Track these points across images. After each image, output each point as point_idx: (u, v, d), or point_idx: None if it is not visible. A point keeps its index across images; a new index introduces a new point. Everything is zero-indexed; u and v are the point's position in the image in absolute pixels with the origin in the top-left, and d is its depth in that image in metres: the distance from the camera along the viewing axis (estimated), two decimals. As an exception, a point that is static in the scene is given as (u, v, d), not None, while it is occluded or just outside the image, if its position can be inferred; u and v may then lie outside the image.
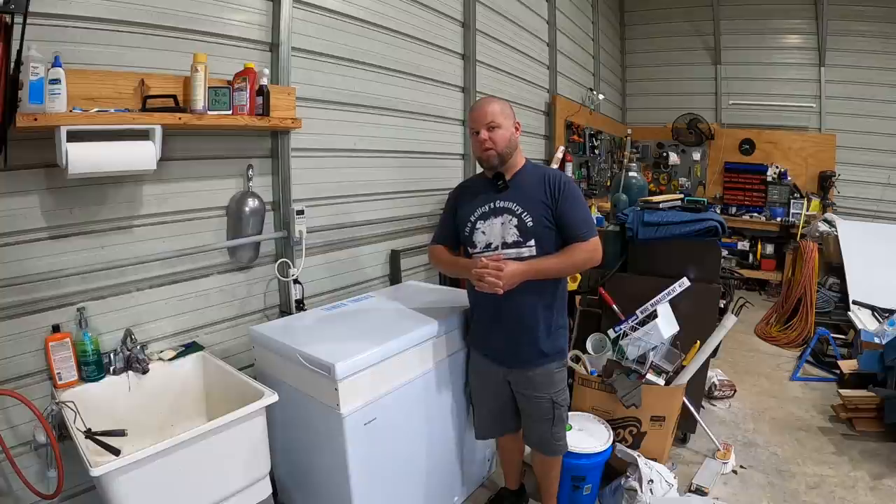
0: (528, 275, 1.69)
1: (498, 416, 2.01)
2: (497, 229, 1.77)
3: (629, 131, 5.04)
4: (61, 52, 1.46)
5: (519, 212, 1.75)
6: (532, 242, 1.74)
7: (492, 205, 1.79)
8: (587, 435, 2.18)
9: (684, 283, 2.40)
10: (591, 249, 1.73)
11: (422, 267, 3.23)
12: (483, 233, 1.80)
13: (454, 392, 2.08)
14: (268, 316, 2.30)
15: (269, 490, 1.70)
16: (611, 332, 2.47)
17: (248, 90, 1.93)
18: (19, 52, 1.36)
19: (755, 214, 6.07)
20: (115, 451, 1.41)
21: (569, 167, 4.50)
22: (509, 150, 1.78)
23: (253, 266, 2.24)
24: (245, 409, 1.52)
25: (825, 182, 5.81)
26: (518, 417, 1.98)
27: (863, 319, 3.80)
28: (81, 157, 1.49)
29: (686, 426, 2.64)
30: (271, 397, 1.59)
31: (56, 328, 1.63)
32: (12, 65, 1.35)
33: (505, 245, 1.76)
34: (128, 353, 1.74)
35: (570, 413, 2.14)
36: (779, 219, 5.85)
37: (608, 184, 5.35)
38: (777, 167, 6.02)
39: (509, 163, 1.80)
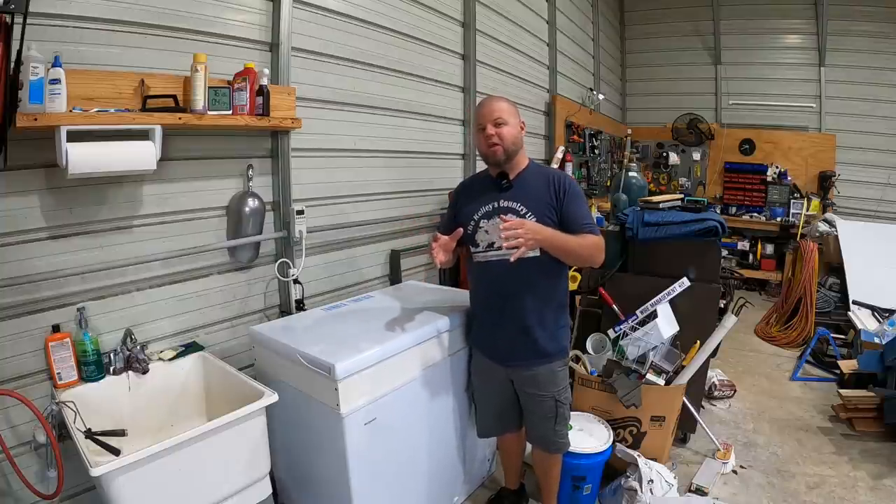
0: (545, 236, 1.62)
1: (500, 415, 2.01)
2: (500, 230, 1.76)
3: (629, 131, 5.04)
4: (61, 52, 1.46)
5: (523, 211, 1.74)
6: None
7: (495, 204, 1.79)
8: (587, 435, 2.18)
9: (684, 283, 2.40)
10: (599, 244, 1.72)
11: (422, 267, 3.23)
12: (486, 231, 1.80)
13: (454, 392, 2.07)
14: (268, 316, 2.30)
15: (269, 490, 1.70)
16: (611, 332, 2.47)
17: (248, 90, 1.93)
18: (19, 52, 1.36)
19: (755, 214, 6.07)
20: (115, 451, 1.41)
21: (569, 167, 4.50)
22: (515, 148, 1.77)
23: (253, 266, 2.24)
24: (245, 409, 1.52)
25: (825, 182, 5.81)
26: (520, 416, 1.98)
27: (863, 319, 3.80)
28: (81, 158, 1.49)
29: (686, 426, 2.64)
30: (271, 397, 1.59)
31: (56, 328, 1.63)
32: (12, 65, 1.35)
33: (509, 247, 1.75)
34: (128, 353, 1.74)
35: (570, 413, 2.14)
36: (779, 219, 5.85)
37: (608, 184, 5.34)
38: (777, 167, 6.03)
39: (513, 162, 1.80)
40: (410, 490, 1.95)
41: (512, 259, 1.57)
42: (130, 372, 1.73)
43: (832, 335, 3.73)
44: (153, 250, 1.87)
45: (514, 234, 1.53)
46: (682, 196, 3.03)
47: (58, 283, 1.63)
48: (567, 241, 1.67)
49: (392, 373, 1.77)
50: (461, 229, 1.78)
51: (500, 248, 1.75)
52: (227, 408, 1.55)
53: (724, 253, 5.74)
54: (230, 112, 1.91)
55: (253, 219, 2.11)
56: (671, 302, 2.42)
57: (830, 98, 5.96)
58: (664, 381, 2.32)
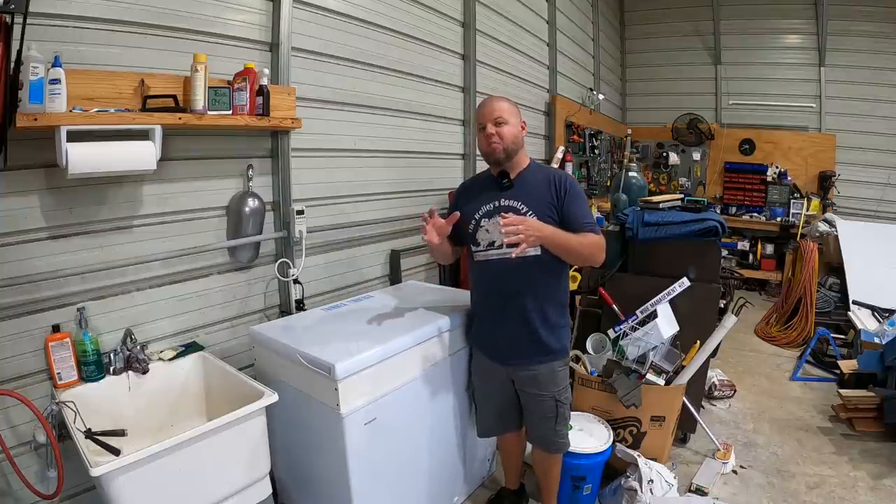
0: (546, 233, 1.62)
1: (501, 414, 2.01)
2: (501, 227, 1.76)
3: (629, 131, 5.04)
4: (61, 52, 1.46)
5: (524, 210, 1.74)
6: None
7: (496, 203, 1.79)
8: (587, 435, 2.18)
9: (684, 283, 2.40)
10: (600, 244, 1.72)
11: (422, 267, 3.23)
12: (487, 231, 1.80)
13: (455, 391, 2.07)
14: (268, 316, 2.30)
15: (269, 490, 1.70)
16: (611, 332, 2.47)
17: (248, 90, 1.93)
18: (19, 52, 1.36)
19: (755, 214, 6.07)
20: (115, 451, 1.41)
21: (569, 167, 4.50)
22: (515, 147, 1.78)
23: (253, 266, 2.24)
24: (245, 409, 1.52)
25: (825, 182, 5.81)
26: (520, 416, 1.98)
27: (863, 319, 3.79)
28: (82, 158, 1.49)
29: (686, 426, 2.63)
30: (271, 397, 1.59)
31: (56, 328, 1.63)
32: (12, 65, 1.35)
33: (509, 244, 1.75)
34: (128, 353, 1.74)
35: (570, 412, 2.14)
36: (779, 219, 5.85)
37: (608, 184, 5.35)
38: (777, 167, 6.03)
39: (514, 161, 1.80)
40: (410, 490, 1.95)
41: (513, 255, 1.57)
42: (130, 372, 1.73)
43: (832, 335, 3.73)
44: (153, 250, 1.87)
45: (514, 230, 1.54)
46: (682, 196, 3.03)
47: (58, 283, 1.63)
48: (568, 240, 1.67)
49: (392, 373, 1.76)
50: (458, 213, 1.77)
51: (500, 247, 1.76)
52: (227, 408, 1.55)
53: (724, 253, 5.74)
54: (230, 112, 1.91)
55: (253, 219, 2.11)
56: (671, 302, 2.42)
57: (830, 98, 5.96)
58: (664, 381, 2.32)
